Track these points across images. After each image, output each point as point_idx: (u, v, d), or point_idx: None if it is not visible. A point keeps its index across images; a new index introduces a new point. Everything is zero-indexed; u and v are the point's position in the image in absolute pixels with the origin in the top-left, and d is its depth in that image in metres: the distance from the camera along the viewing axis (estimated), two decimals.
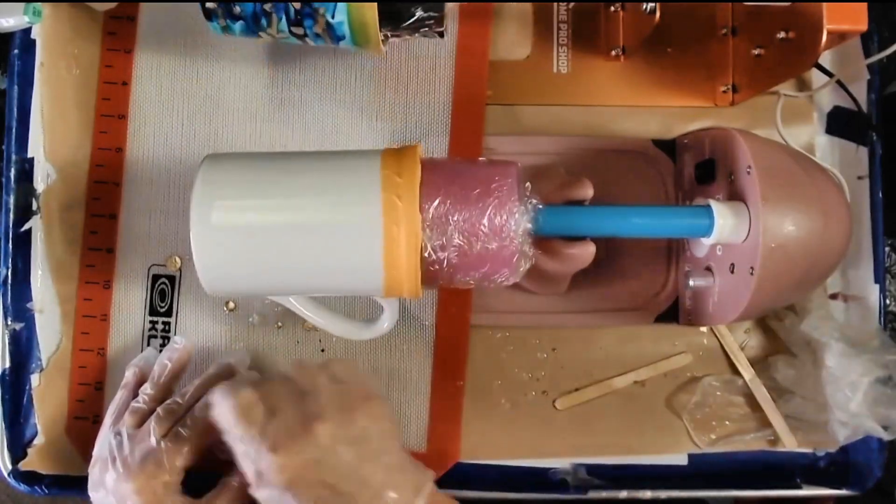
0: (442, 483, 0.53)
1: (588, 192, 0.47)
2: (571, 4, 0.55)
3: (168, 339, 0.53)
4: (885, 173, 0.55)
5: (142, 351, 0.53)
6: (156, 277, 0.53)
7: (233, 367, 0.49)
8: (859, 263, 0.55)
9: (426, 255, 0.40)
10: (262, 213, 0.41)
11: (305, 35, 0.46)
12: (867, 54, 0.55)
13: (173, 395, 0.47)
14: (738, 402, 0.54)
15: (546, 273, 0.49)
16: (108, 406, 0.49)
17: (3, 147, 0.54)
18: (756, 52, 0.50)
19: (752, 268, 0.43)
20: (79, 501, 0.48)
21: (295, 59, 0.54)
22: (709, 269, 0.49)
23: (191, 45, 0.54)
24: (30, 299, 0.53)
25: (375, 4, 0.43)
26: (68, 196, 0.53)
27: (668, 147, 0.54)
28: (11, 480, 0.52)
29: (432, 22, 0.46)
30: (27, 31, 0.53)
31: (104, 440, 0.46)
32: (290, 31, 0.45)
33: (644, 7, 0.48)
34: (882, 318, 0.55)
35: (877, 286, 0.55)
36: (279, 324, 0.53)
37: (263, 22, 0.45)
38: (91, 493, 0.46)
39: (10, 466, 0.52)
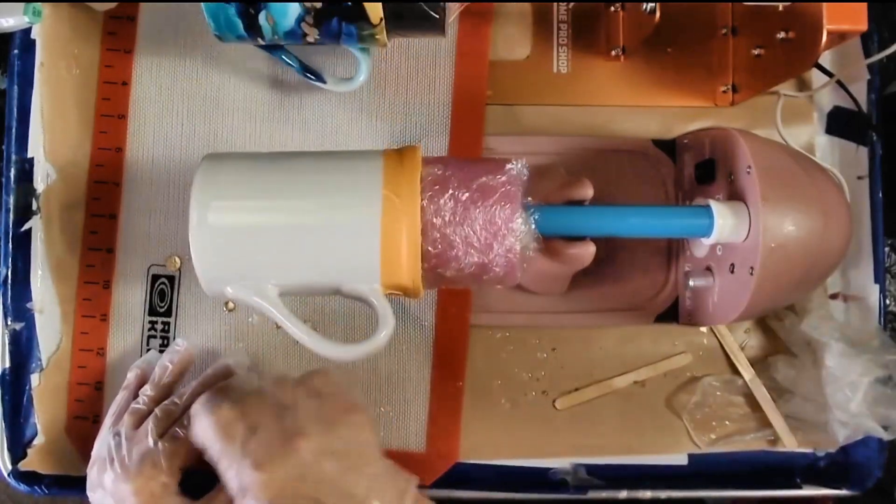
0: (442, 483, 0.53)
1: (588, 192, 0.47)
2: (571, 4, 0.55)
3: (168, 339, 0.53)
4: (885, 173, 0.55)
5: (141, 351, 0.53)
6: (155, 277, 0.53)
7: (231, 368, 0.49)
8: (859, 263, 0.55)
9: (426, 255, 0.40)
10: (261, 214, 0.41)
11: (305, 35, 0.46)
12: (867, 54, 0.55)
13: (171, 396, 0.47)
14: (738, 402, 0.54)
15: (546, 273, 0.49)
16: (107, 406, 0.49)
17: (3, 147, 0.54)
18: (756, 52, 0.50)
19: (752, 268, 0.43)
20: (78, 501, 0.48)
21: None
22: (709, 269, 0.49)
23: (191, 45, 0.54)
24: (30, 299, 0.53)
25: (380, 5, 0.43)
26: (68, 196, 0.53)
27: (668, 147, 0.54)
28: (11, 480, 0.52)
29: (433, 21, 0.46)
30: (27, 31, 0.53)
31: (103, 441, 0.46)
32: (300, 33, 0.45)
33: (644, 7, 0.48)
34: (882, 318, 0.55)
35: (877, 286, 0.55)
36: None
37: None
38: (89, 493, 0.46)
39: (9, 466, 0.52)
